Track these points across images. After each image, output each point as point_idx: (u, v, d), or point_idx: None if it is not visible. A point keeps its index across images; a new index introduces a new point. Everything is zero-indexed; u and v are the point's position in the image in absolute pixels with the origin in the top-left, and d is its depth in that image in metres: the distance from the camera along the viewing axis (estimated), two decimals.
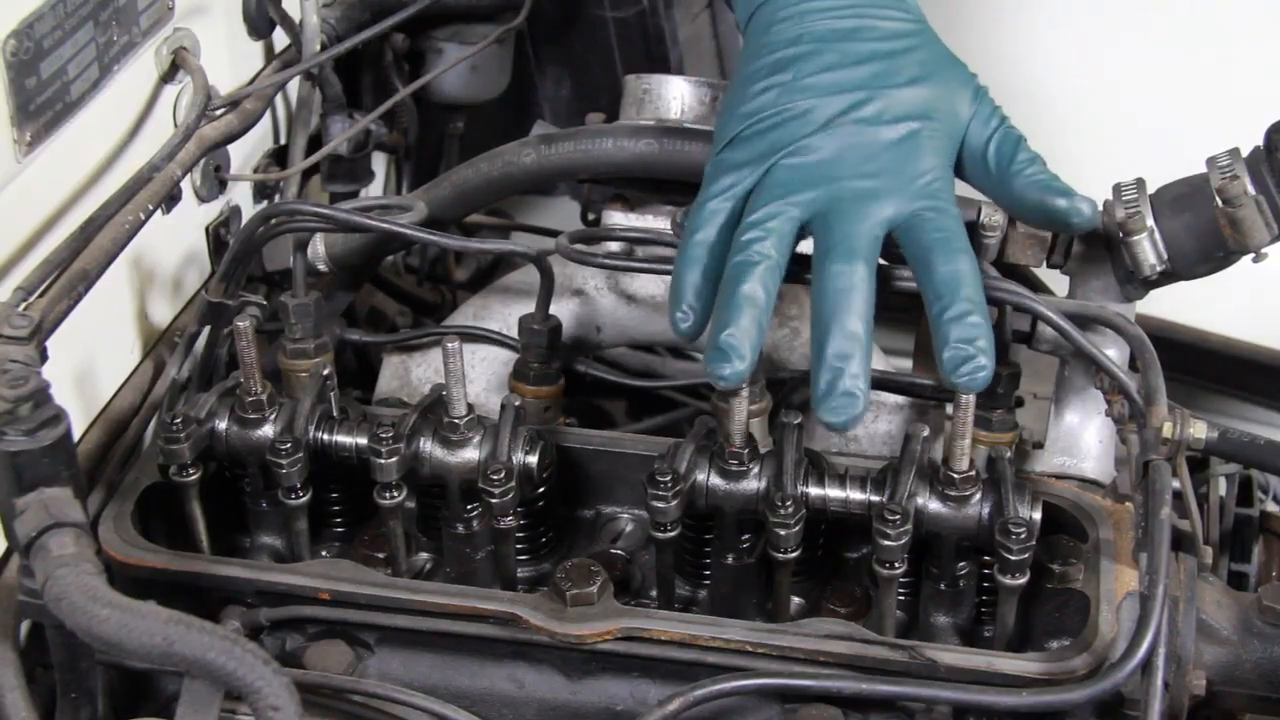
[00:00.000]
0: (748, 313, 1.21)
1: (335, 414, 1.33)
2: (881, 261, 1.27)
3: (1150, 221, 1.38)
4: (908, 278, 1.36)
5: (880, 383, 1.51)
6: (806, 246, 1.27)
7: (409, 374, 1.57)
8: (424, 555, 1.39)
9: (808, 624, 1.24)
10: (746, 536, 1.32)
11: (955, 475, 1.25)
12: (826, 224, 1.25)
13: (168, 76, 1.47)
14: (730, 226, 1.27)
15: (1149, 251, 1.38)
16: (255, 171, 1.66)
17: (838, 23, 1.34)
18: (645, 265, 1.46)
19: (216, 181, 1.57)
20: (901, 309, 1.91)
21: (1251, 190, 1.34)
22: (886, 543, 1.23)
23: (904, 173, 1.27)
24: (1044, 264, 1.44)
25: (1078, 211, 1.30)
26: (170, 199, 1.45)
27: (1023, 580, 1.23)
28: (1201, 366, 2.12)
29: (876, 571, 1.25)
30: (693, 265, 1.26)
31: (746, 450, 1.28)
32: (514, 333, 1.50)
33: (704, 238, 1.27)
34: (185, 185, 1.50)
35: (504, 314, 1.57)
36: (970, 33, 2.39)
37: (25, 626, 1.21)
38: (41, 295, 1.25)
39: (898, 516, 1.23)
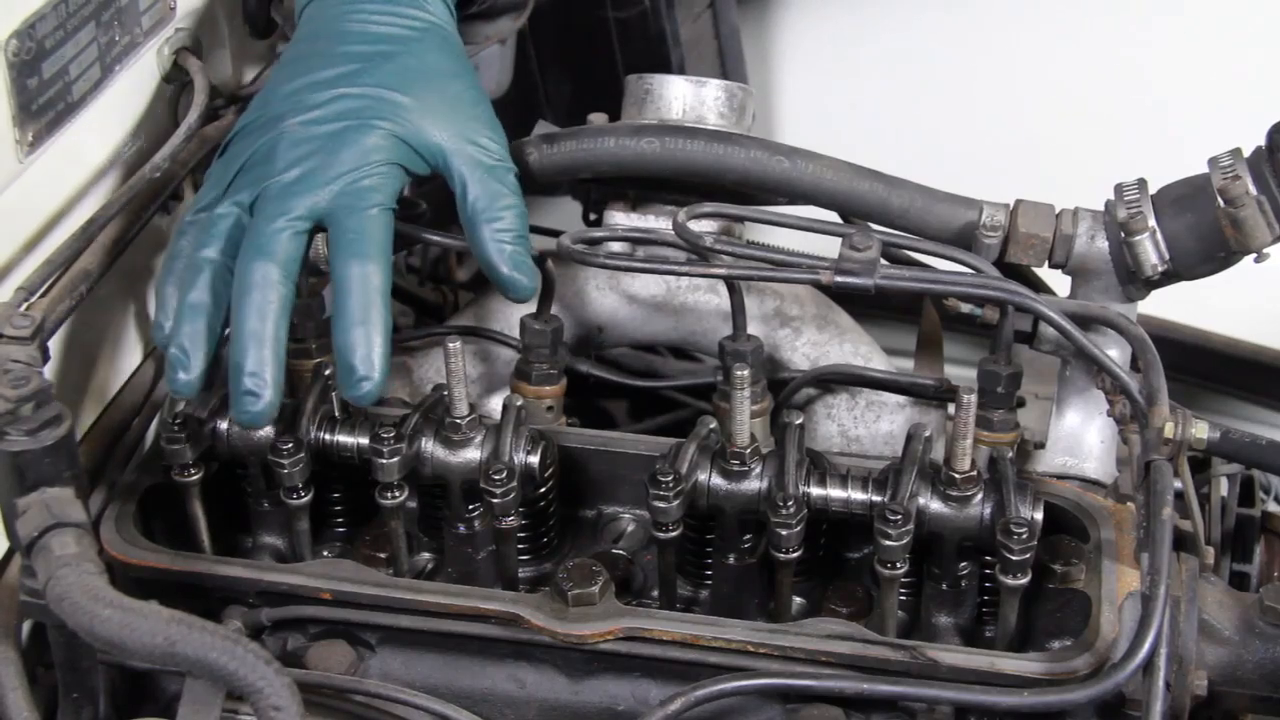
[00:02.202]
0: (189, 320, 1.21)
1: (337, 414, 1.33)
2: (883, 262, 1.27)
3: (1152, 222, 1.38)
4: (908, 278, 1.36)
5: (881, 383, 1.51)
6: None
7: (411, 374, 1.57)
8: (425, 555, 1.39)
9: (809, 624, 1.24)
10: (748, 537, 1.32)
11: (957, 475, 1.25)
12: (251, 221, 1.24)
13: (169, 76, 1.47)
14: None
15: (1151, 252, 1.38)
16: None
17: (335, 23, 1.36)
18: (647, 265, 1.46)
19: None
20: (901, 309, 1.91)
21: (1253, 190, 1.34)
22: (888, 543, 1.23)
23: (327, 168, 1.25)
24: (1045, 264, 1.44)
25: (513, 285, 1.32)
26: (172, 199, 1.44)
27: (1024, 580, 1.23)
28: (1203, 367, 2.12)
29: (878, 572, 1.25)
30: (169, 279, 1.25)
31: (748, 450, 1.28)
32: (515, 333, 1.50)
33: (178, 249, 1.26)
34: (187, 185, 1.50)
35: (505, 314, 1.57)
36: (974, 35, 2.40)
37: (27, 626, 1.21)
38: (43, 295, 1.25)
39: (899, 517, 1.23)
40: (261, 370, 1.19)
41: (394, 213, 1.27)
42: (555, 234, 1.48)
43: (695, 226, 1.42)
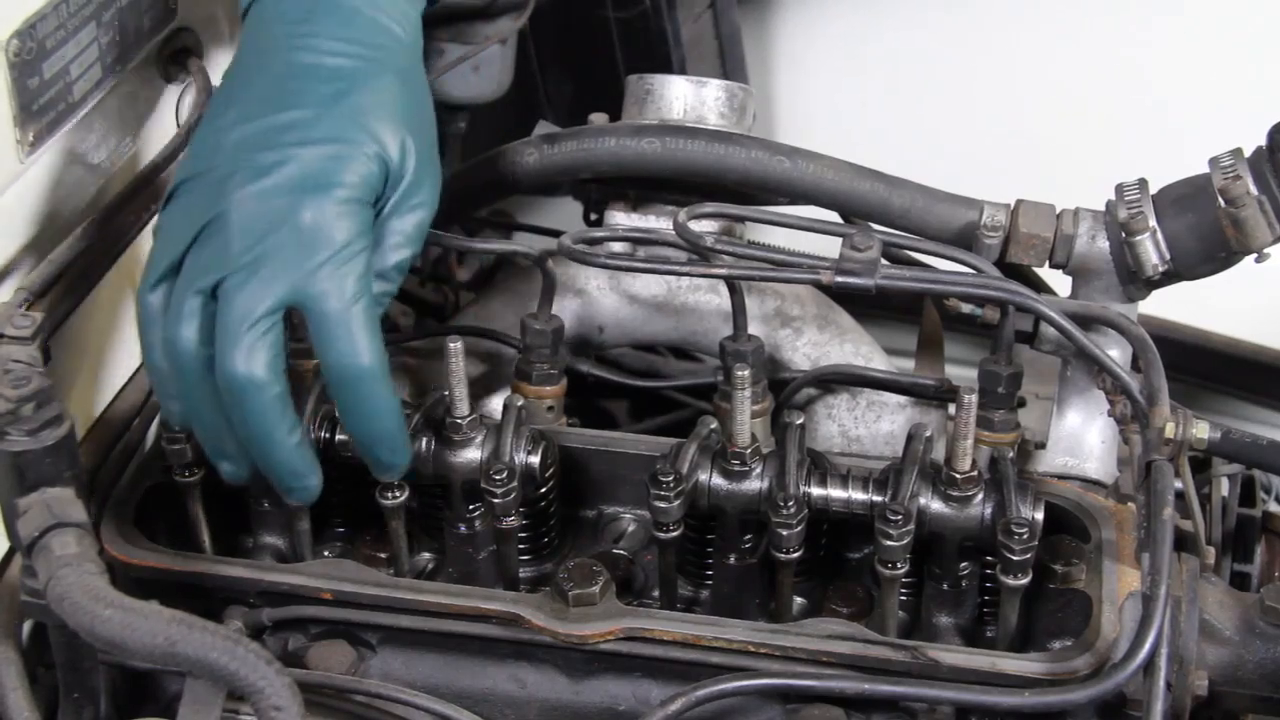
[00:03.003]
0: (207, 426, 1.18)
1: (338, 414, 1.33)
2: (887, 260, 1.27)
3: (1153, 222, 1.38)
4: (909, 278, 1.36)
5: (882, 383, 1.51)
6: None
7: (411, 374, 1.57)
8: (426, 555, 1.39)
9: (810, 624, 1.24)
10: (749, 537, 1.32)
11: (957, 475, 1.25)
12: (219, 314, 1.15)
13: (169, 76, 1.47)
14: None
15: (1151, 252, 1.38)
16: None
17: (283, 52, 1.21)
18: (647, 265, 1.46)
19: None
20: (902, 309, 1.91)
21: (1254, 190, 1.34)
22: (889, 543, 1.23)
23: (291, 257, 1.14)
24: (1046, 264, 1.44)
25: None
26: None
27: (1025, 580, 1.23)
28: (1204, 367, 2.12)
29: (879, 572, 1.25)
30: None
31: (749, 450, 1.28)
32: (516, 333, 1.50)
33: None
34: None
35: (506, 314, 1.57)
36: (975, 36, 2.40)
37: (28, 626, 1.21)
38: (44, 295, 1.25)
39: (900, 517, 1.23)
40: (295, 465, 1.17)
41: (372, 284, 1.18)
42: (556, 234, 1.48)
43: (696, 226, 1.42)
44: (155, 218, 1.40)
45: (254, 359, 1.13)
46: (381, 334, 1.17)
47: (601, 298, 1.58)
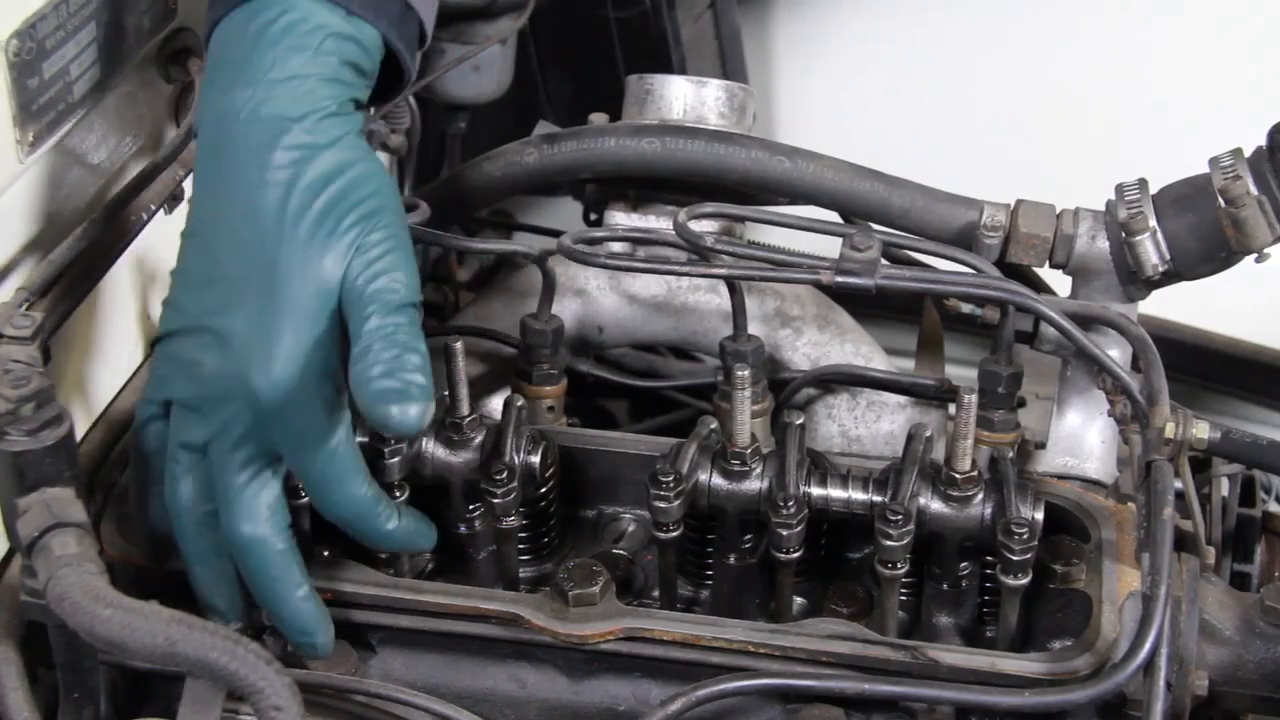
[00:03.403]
0: (213, 589, 1.21)
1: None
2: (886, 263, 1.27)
3: (1153, 222, 1.38)
4: (909, 278, 1.36)
5: (882, 383, 1.51)
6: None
7: None
8: (426, 555, 1.39)
9: (810, 624, 1.24)
10: (749, 537, 1.32)
11: (957, 475, 1.25)
12: (213, 473, 1.17)
13: (169, 76, 1.46)
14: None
15: (1151, 252, 1.38)
16: None
17: (251, 159, 1.16)
18: (648, 265, 1.46)
19: None
20: (902, 309, 1.91)
21: (1254, 190, 1.34)
22: (889, 543, 1.23)
23: (271, 419, 1.15)
24: (1046, 264, 1.44)
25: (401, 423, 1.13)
26: (173, 199, 1.44)
27: (1025, 580, 1.23)
28: (1204, 367, 2.12)
29: (879, 572, 1.25)
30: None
31: (749, 450, 1.28)
32: (517, 333, 1.50)
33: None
34: (188, 185, 1.50)
35: (506, 314, 1.57)
36: (975, 36, 2.40)
37: (28, 626, 1.21)
38: (44, 295, 1.25)
39: (900, 517, 1.23)
40: (303, 621, 1.19)
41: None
42: (556, 234, 1.48)
43: (696, 226, 1.42)
44: (155, 216, 1.40)
45: (257, 517, 1.16)
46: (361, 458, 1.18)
47: (601, 298, 1.58)
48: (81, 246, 1.29)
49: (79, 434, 1.17)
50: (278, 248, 1.14)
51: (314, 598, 1.19)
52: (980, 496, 1.25)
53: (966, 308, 1.42)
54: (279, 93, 1.15)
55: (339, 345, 1.16)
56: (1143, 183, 1.41)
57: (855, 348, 1.55)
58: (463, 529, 1.33)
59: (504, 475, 1.27)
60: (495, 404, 1.52)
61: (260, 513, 1.17)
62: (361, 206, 1.16)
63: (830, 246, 1.41)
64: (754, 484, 1.28)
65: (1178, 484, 1.29)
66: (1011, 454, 1.31)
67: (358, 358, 1.12)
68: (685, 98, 1.56)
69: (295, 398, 1.14)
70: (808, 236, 1.46)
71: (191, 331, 1.17)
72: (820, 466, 1.30)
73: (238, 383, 1.15)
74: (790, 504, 1.25)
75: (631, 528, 1.41)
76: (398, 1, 1.22)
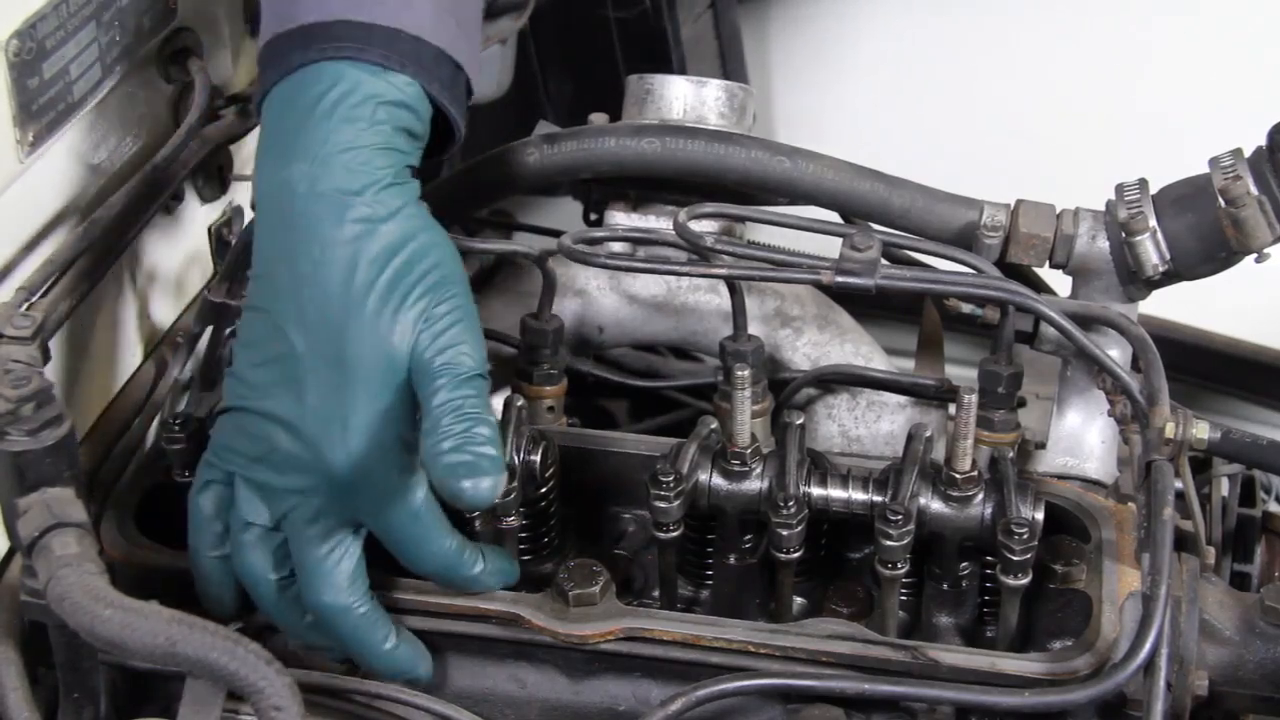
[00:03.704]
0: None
1: None
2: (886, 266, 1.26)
3: (1153, 222, 1.38)
4: (909, 278, 1.36)
5: (882, 383, 1.51)
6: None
7: None
8: None
9: (810, 624, 1.24)
10: (749, 537, 1.32)
11: (958, 475, 1.25)
12: (294, 545, 1.20)
13: (169, 76, 1.47)
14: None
15: (1152, 252, 1.38)
16: None
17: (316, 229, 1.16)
18: (648, 265, 1.46)
19: (219, 181, 1.57)
20: (902, 309, 1.91)
21: (1254, 190, 1.34)
22: (889, 543, 1.23)
23: (348, 489, 1.16)
24: (1046, 264, 1.44)
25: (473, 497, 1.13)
26: (173, 199, 1.44)
27: (1025, 580, 1.23)
28: (1204, 367, 2.12)
29: (879, 572, 1.25)
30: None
31: (749, 450, 1.28)
32: (516, 333, 1.50)
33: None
34: (188, 185, 1.50)
35: (506, 314, 1.57)
36: (975, 36, 2.40)
37: (28, 626, 1.21)
38: (44, 295, 1.25)
39: (900, 517, 1.23)
40: (399, 667, 1.21)
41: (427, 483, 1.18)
42: (556, 234, 1.48)
43: (696, 226, 1.42)
44: (155, 216, 1.40)
45: (338, 586, 1.18)
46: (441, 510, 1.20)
47: (601, 298, 1.58)
48: (81, 246, 1.29)
49: (79, 434, 1.17)
50: (345, 323, 1.15)
51: (401, 641, 1.21)
52: (980, 496, 1.25)
53: (966, 308, 1.42)
54: (335, 166, 1.15)
55: (410, 412, 1.17)
56: (1143, 183, 1.41)
57: (855, 348, 1.55)
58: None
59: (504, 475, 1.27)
60: (495, 404, 1.52)
61: (340, 582, 1.18)
62: (428, 278, 1.16)
63: (830, 246, 1.41)
64: (754, 484, 1.28)
65: (1178, 484, 1.29)
66: (1011, 454, 1.31)
67: (428, 432, 1.13)
68: (685, 98, 1.56)
69: (372, 469, 1.15)
70: (808, 236, 1.46)
71: (258, 412, 1.18)
72: (820, 466, 1.30)
73: (313, 461, 1.16)
74: (790, 504, 1.25)
75: (631, 528, 1.41)
76: (448, 63, 1.22)
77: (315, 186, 1.15)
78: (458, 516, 1.27)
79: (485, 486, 1.10)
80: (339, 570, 1.18)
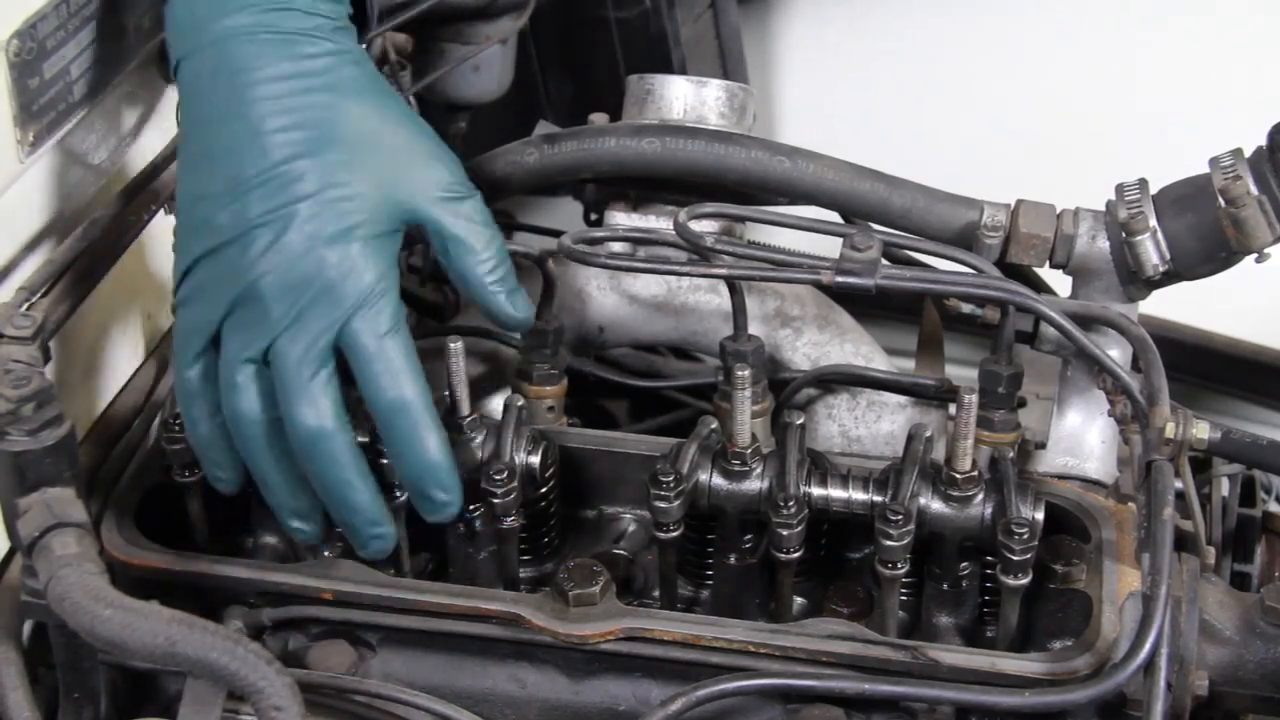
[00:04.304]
0: (289, 492, 1.23)
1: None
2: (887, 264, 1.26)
3: (1153, 222, 1.38)
4: (909, 278, 1.36)
5: (882, 383, 1.51)
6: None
7: None
8: (426, 555, 1.39)
9: (810, 624, 1.24)
10: (749, 537, 1.32)
11: (958, 475, 1.25)
12: (276, 373, 1.19)
13: (170, 76, 1.46)
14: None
15: (1152, 252, 1.38)
16: None
17: (236, 94, 1.20)
18: (648, 265, 1.46)
19: None
20: (902, 309, 1.91)
21: (1254, 190, 1.34)
22: (889, 543, 1.23)
23: (329, 305, 1.18)
24: (1046, 264, 1.44)
25: (520, 325, 1.30)
26: (172, 199, 1.44)
27: (1025, 580, 1.23)
28: (1204, 367, 2.12)
29: (879, 572, 1.25)
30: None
31: (749, 450, 1.28)
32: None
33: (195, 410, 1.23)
34: None
35: None
36: (975, 36, 2.40)
37: (28, 626, 1.21)
38: (44, 295, 1.25)
39: (900, 517, 1.23)
40: (372, 513, 1.21)
41: (405, 315, 1.22)
42: (556, 234, 1.48)
43: (696, 226, 1.42)
44: (156, 216, 1.40)
45: (321, 410, 1.18)
46: (421, 368, 1.21)
47: (601, 298, 1.58)
48: (81, 246, 1.29)
49: (79, 434, 1.17)
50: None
51: (379, 491, 1.22)
52: (980, 496, 1.25)
53: (966, 308, 1.42)
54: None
55: None
56: (1143, 183, 1.41)
57: (855, 348, 1.55)
58: (463, 529, 1.33)
59: (504, 475, 1.27)
60: (495, 404, 1.52)
61: (325, 404, 1.18)
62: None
63: (830, 246, 1.41)
64: (754, 484, 1.28)
65: (1178, 484, 1.29)
66: (1012, 454, 1.31)
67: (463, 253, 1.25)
68: (685, 98, 1.56)
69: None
70: (808, 236, 1.46)
71: (238, 239, 1.19)
72: (820, 466, 1.30)
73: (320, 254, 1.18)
74: (790, 504, 1.25)
75: (631, 528, 1.41)
76: None
77: (256, 36, 1.20)
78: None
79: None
80: (324, 391, 1.18)
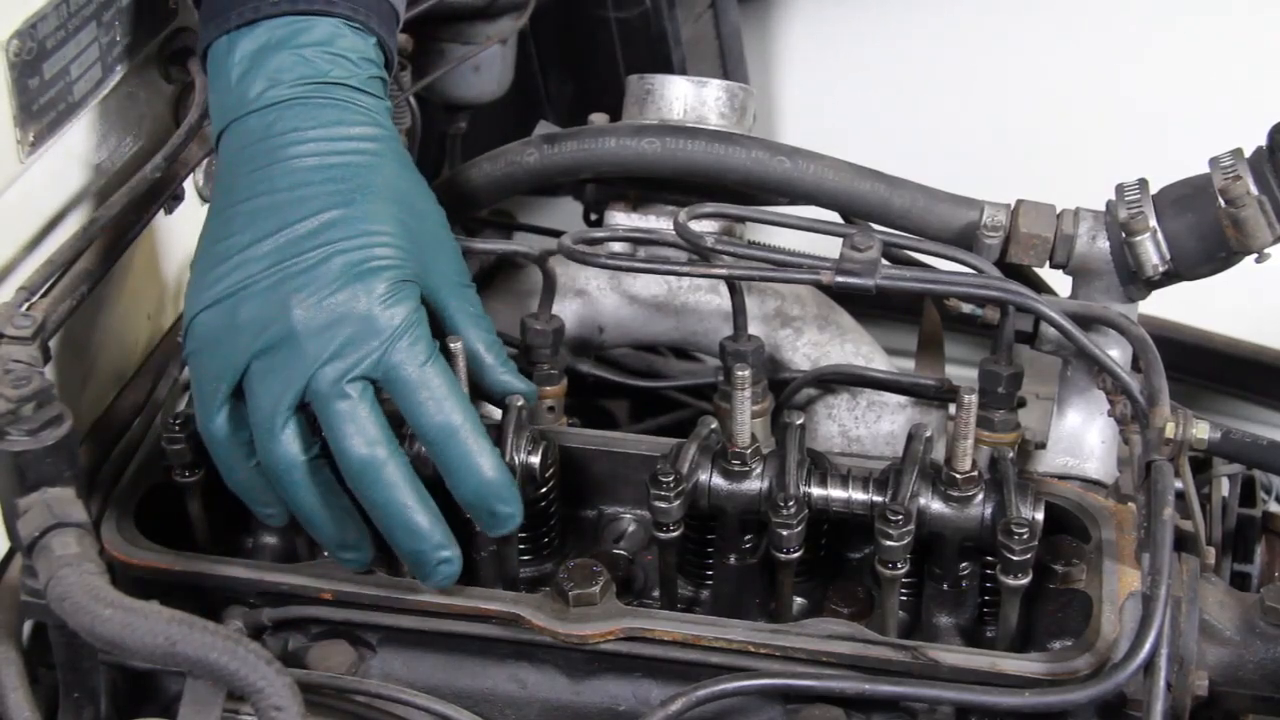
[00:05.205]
0: (338, 524, 1.23)
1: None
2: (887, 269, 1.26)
3: (1153, 222, 1.38)
4: (909, 278, 1.36)
5: (882, 383, 1.51)
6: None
7: None
8: None
9: (810, 624, 1.24)
10: (749, 537, 1.32)
11: (958, 476, 1.25)
12: (319, 409, 1.19)
13: (170, 77, 1.47)
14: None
15: (1152, 252, 1.38)
16: None
17: (276, 154, 1.23)
18: (648, 265, 1.46)
19: None
20: (903, 309, 1.91)
21: (1254, 190, 1.34)
22: (889, 543, 1.23)
23: (364, 341, 1.19)
24: (1046, 264, 1.44)
25: (516, 390, 1.31)
26: (173, 199, 1.44)
27: (1025, 581, 1.23)
28: (1204, 367, 2.12)
29: (879, 572, 1.25)
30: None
31: (749, 450, 1.28)
32: (516, 333, 1.50)
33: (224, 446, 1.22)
34: (188, 185, 1.50)
35: (506, 314, 1.57)
36: (975, 36, 2.40)
37: (28, 626, 1.21)
38: (44, 295, 1.25)
39: (900, 517, 1.23)
40: (437, 535, 1.21)
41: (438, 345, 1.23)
42: (556, 234, 1.48)
43: (696, 226, 1.42)
44: (156, 216, 1.40)
45: (371, 437, 1.19)
46: (464, 391, 1.22)
47: (602, 298, 1.58)
48: (81, 246, 1.29)
49: (79, 434, 1.17)
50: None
51: (434, 507, 1.21)
52: (980, 497, 1.25)
53: (966, 308, 1.42)
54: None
55: None
56: (1143, 183, 1.41)
57: (855, 348, 1.55)
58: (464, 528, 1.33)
59: None
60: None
61: (372, 432, 1.19)
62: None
63: (830, 246, 1.41)
64: (754, 484, 1.28)
65: (1178, 484, 1.29)
66: (1012, 454, 1.31)
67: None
68: (685, 98, 1.56)
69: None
70: (808, 236, 1.46)
71: (251, 285, 1.19)
72: (820, 466, 1.30)
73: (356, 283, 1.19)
74: (790, 504, 1.25)
75: (631, 528, 1.41)
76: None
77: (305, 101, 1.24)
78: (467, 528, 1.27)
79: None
80: (368, 422, 1.18)
